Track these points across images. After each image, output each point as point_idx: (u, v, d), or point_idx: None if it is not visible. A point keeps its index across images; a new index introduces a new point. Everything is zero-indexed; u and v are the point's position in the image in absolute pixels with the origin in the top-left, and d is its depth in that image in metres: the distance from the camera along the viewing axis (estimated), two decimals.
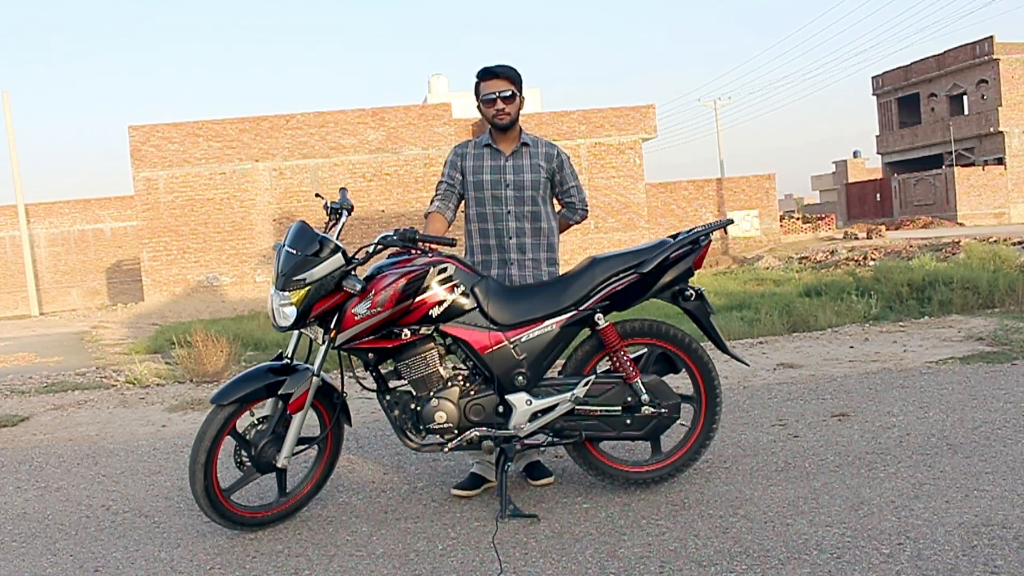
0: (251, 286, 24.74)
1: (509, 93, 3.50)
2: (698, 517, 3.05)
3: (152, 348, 12.87)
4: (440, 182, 3.66)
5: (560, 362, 3.49)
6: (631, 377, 3.29)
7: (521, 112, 3.58)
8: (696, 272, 3.40)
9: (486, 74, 3.52)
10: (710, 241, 3.40)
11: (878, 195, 43.19)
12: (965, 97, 42.67)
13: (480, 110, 3.58)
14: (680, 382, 3.56)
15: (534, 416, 3.22)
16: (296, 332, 3.24)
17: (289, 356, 3.24)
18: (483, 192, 3.58)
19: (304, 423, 3.20)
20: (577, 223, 3.85)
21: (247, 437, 3.15)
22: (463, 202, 3.68)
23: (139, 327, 19.23)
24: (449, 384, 3.24)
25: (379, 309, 3.08)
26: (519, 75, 3.56)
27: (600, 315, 3.29)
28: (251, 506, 3.29)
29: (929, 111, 44.30)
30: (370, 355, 3.21)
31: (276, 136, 24.78)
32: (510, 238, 3.57)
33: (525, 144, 3.61)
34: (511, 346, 3.22)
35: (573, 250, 25.79)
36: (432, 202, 3.64)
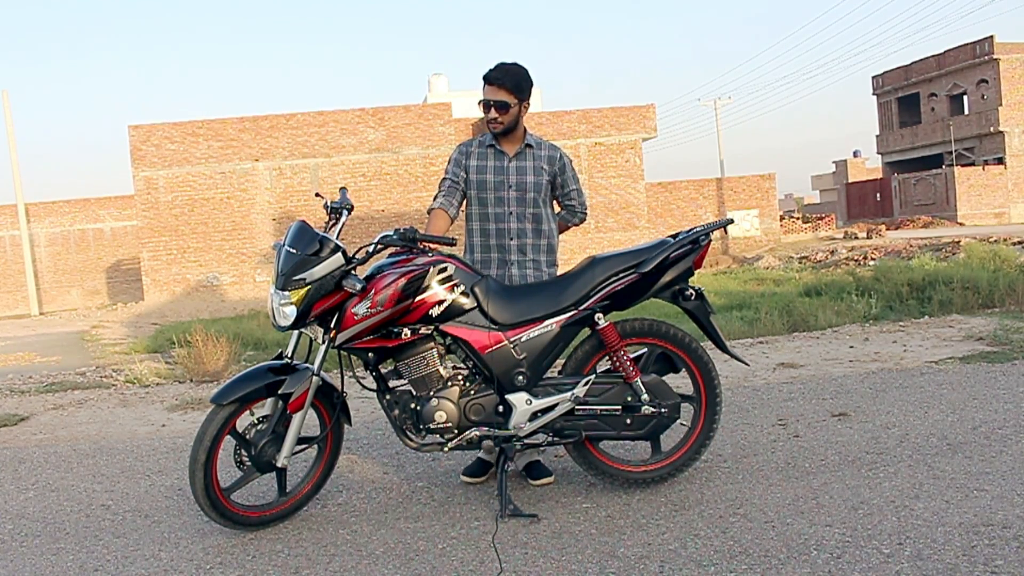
0: (251, 286, 24.75)
1: (502, 102, 3.47)
2: (698, 517, 3.05)
3: (152, 348, 12.88)
4: (444, 179, 3.65)
5: (560, 362, 3.49)
6: (631, 377, 3.29)
7: (524, 115, 3.57)
8: (696, 272, 3.40)
9: (485, 78, 3.50)
10: (710, 241, 3.40)
11: (878, 195, 43.18)
12: (965, 97, 42.68)
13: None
14: (680, 382, 3.56)
15: (534, 416, 3.22)
16: (296, 332, 3.24)
17: (289, 356, 3.24)
18: (486, 192, 3.58)
19: (304, 423, 3.20)
20: (576, 225, 3.88)
21: (247, 437, 3.15)
22: (467, 201, 3.68)
23: (139, 327, 19.24)
24: (449, 384, 3.24)
25: (379, 309, 3.08)
26: (522, 81, 3.49)
27: (600, 315, 3.28)
28: (251, 505, 3.29)
29: (929, 111, 44.30)
30: (370, 355, 3.21)
31: (276, 135, 24.79)
32: (511, 239, 3.58)
33: (529, 146, 3.62)
34: (511, 346, 3.22)
35: (573, 250, 25.77)
36: (436, 199, 3.62)
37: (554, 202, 3.78)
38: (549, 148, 3.67)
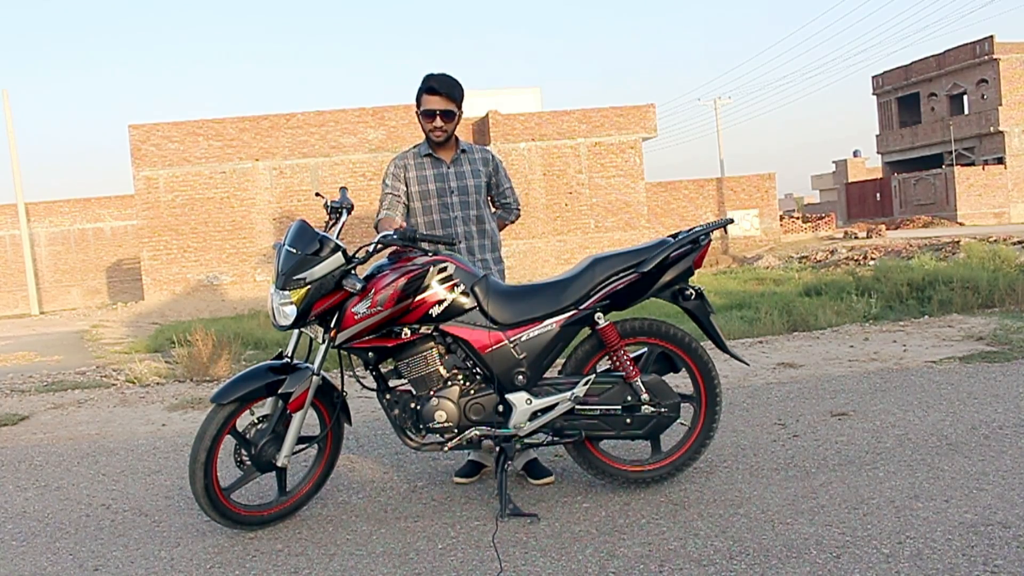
0: (251, 285, 24.74)
1: (449, 111, 3.60)
2: (698, 516, 3.05)
3: (152, 347, 12.88)
4: (385, 194, 3.75)
5: (560, 361, 3.50)
6: (631, 376, 3.29)
7: (459, 125, 3.71)
8: (696, 271, 3.41)
9: (429, 89, 3.59)
10: (710, 240, 3.40)
11: (878, 195, 43.18)
12: (965, 97, 42.68)
13: (418, 118, 3.67)
14: (680, 381, 3.56)
15: (534, 415, 3.22)
16: (296, 331, 3.24)
17: (289, 355, 3.24)
18: (430, 200, 3.70)
19: (304, 422, 3.20)
20: (512, 223, 4.05)
21: (247, 436, 3.15)
22: (408, 212, 3.77)
23: (139, 326, 19.24)
24: (449, 383, 3.25)
25: (379, 308, 3.08)
26: (461, 92, 3.65)
27: (600, 314, 3.29)
28: (251, 505, 3.29)
29: (929, 111, 44.30)
30: (370, 354, 3.22)
31: (276, 135, 24.78)
32: (460, 242, 3.70)
33: (463, 151, 3.77)
34: (511, 345, 3.22)
35: (573, 250, 25.79)
36: (379, 213, 3.72)
37: (489, 202, 3.91)
38: (481, 151, 3.84)
